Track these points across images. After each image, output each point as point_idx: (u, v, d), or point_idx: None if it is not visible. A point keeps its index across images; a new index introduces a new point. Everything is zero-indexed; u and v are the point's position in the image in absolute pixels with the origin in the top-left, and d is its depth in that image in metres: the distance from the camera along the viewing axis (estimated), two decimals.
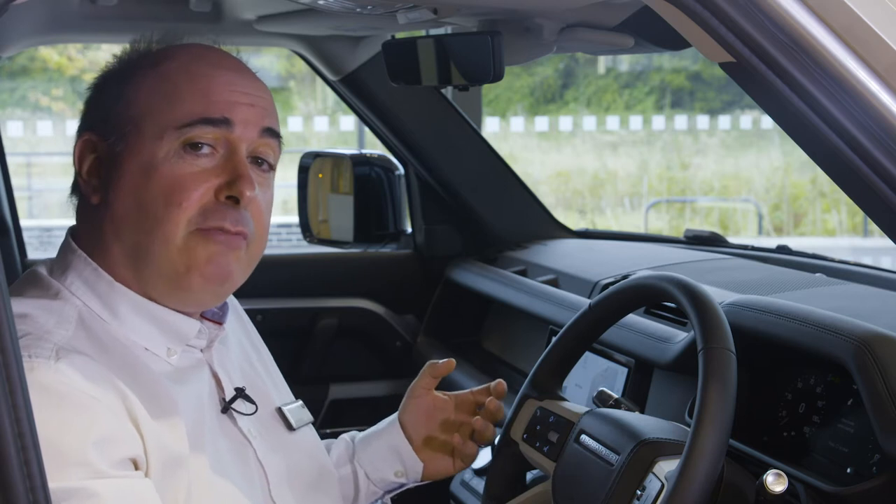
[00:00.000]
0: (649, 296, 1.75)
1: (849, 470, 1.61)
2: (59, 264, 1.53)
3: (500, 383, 1.86)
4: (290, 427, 1.66)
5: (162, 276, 1.49)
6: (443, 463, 1.86)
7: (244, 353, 1.70)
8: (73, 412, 1.34)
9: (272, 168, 1.57)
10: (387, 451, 1.85)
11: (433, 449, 1.85)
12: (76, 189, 1.56)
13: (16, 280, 1.56)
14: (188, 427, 1.46)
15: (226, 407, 1.56)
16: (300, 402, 1.73)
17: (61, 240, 1.58)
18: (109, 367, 1.42)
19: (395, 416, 1.88)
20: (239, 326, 1.73)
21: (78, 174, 1.54)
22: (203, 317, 1.57)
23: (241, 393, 1.58)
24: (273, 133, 1.55)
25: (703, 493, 1.42)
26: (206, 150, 1.49)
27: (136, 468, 1.39)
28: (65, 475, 1.31)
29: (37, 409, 1.30)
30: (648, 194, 18.31)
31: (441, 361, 1.87)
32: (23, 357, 1.33)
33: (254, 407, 1.59)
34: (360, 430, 1.94)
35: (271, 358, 1.79)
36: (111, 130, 1.51)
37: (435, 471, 1.86)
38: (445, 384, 1.93)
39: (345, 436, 1.91)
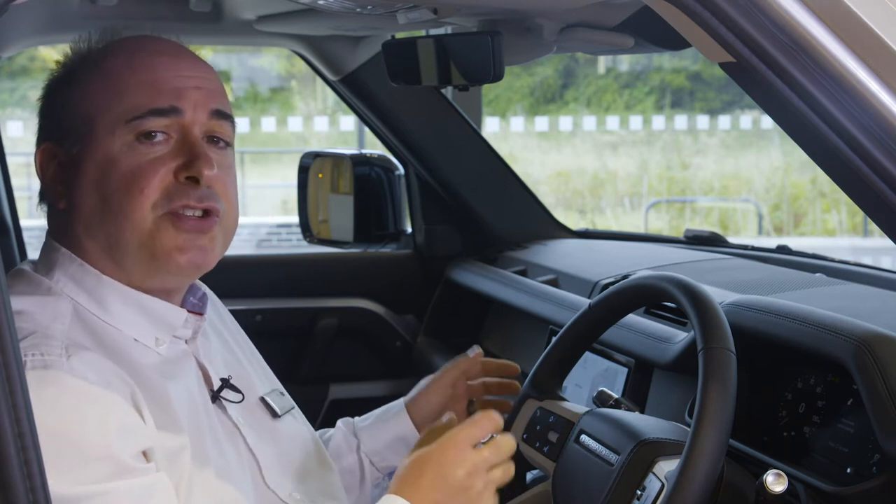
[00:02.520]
0: (649, 296, 1.75)
1: (849, 470, 1.61)
2: (44, 263, 1.54)
3: (485, 360, 1.94)
4: (274, 414, 1.67)
5: (139, 262, 1.50)
6: None
7: (224, 343, 1.71)
8: (93, 406, 1.36)
9: (229, 145, 1.58)
10: (395, 440, 1.87)
11: (438, 430, 1.87)
12: (44, 197, 1.57)
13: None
14: (185, 418, 1.48)
15: (214, 396, 1.58)
16: (281, 389, 1.75)
17: None
18: (110, 360, 1.43)
19: (401, 404, 1.90)
20: (216, 317, 1.74)
21: (42, 182, 1.55)
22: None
23: (227, 382, 1.60)
24: (223, 115, 1.55)
25: (703, 493, 1.42)
26: (159, 137, 1.50)
27: (148, 460, 1.40)
28: (89, 471, 1.32)
29: (55, 409, 1.32)
30: (648, 194, 18.30)
31: (468, 357, 1.90)
32: (35, 356, 1.35)
33: (240, 396, 1.61)
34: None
35: (251, 345, 1.80)
36: (66, 135, 1.52)
37: None
38: None
39: (340, 424, 1.92)
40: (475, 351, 1.93)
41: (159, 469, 1.40)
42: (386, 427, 1.88)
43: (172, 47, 1.57)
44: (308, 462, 1.69)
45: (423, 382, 1.92)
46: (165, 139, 1.50)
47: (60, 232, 1.55)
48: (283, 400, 1.72)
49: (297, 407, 1.76)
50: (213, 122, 1.54)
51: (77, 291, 1.50)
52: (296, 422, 1.73)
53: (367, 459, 1.87)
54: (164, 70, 1.52)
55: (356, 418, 1.93)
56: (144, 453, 1.40)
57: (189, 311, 1.59)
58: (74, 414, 1.34)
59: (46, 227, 1.58)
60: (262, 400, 1.68)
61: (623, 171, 19.15)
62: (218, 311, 1.77)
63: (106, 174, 1.48)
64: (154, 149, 1.49)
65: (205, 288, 1.67)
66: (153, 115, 1.49)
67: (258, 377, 1.72)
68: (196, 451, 1.47)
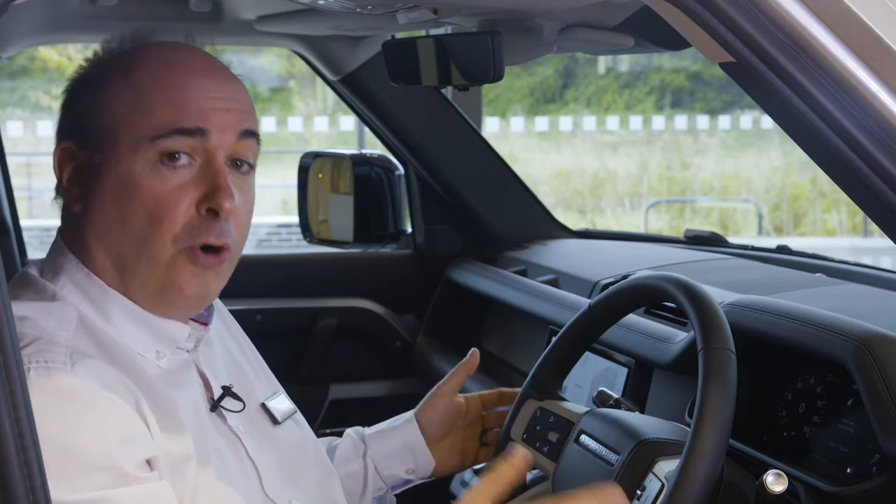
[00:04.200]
0: (649, 296, 1.75)
1: (849, 470, 1.61)
2: (51, 267, 1.52)
3: (503, 391, 1.92)
4: (275, 421, 1.67)
5: (146, 289, 1.49)
6: (453, 461, 1.89)
7: (227, 350, 1.70)
8: (96, 415, 1.35)
9: (252, 168, 1.56)
10: (402, 448, 1.86)
11: (445, 447, 1.88)
12: (59, 193, 1.55)
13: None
14: (189, 428, 1.47)
15: (215, 405, 1.57)
16: (283, 395, 1.74)
17: None
18: (114, 368, 1.42)
19: (411, 414, 1.89)
20: (220, 323, 1.73)
21: (58, 181, 1.53)
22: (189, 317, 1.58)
23: (228, 391, 1.59)
24: (251, 133, 1.53)
25: (703, 493, 1.42)
26: (183, 159, 1.47)
27: (151, 469, 1.40)
28: (90, 479, 1.31)
29: (57, 416, 1.31)
30: (648, 194, 18.32)
31: (466, 358, 1.90)
32: (39, 363, 1.34)
33: (241, 404, 1.60)
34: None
35: (254, 350, 1.79)
36: (88, 140, 1.50)
37: (445, 468, 1.89)
38: None
39: (349, 431, 1.91)
40: (473, 354, 1.92)
41: (163, 478, 1.40)
42: (393, 434, 1.87)
43: (204, 63, 1.53)
44: (308, 469, 1.68)
45: (433, 392, 1.91)
46: (189, 162, 1.47)
47: (71, 234, 1.53)
48: (284, 405, 1.71)
49: (298, 412, 1.75)
50: (239, 143, 1.51)
51: (81, 299, 1.49)
52: (297, 427, 1.72)
53: (373, 465, 1.86)
54: (194, 90, 1.48)
55: (366, 427, 1.93)
56: (148, 462, 1.39)
57: (194, 321, 1.58)
58: (77, 422, 1.33)
59: (59, 224, 1.56)
60: (263, 406, 1.67)
61: (623, 171, 19.16)
62: (222, 317, 1.76)
63: (126, 193, 1.46)
64: (177, 173, 1.46)
65: None
66: (178, 134, 1.46)
67: (260, 383, 1.71)
68: (200, 460, 1.46)
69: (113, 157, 1.47)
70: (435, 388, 1.90)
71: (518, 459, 1.42)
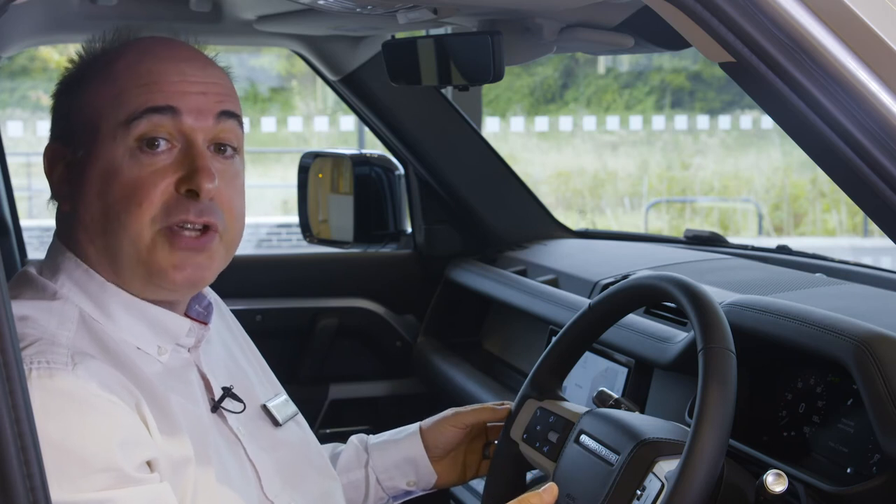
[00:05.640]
0: (649, 296, 1.75)
1: (849, 470, 1.62)
2: (50, 266, 1.53)
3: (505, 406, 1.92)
4: (276, 423, 1.66)
5: (136, 275, 1.49)
6: (454, 474, 1.90)
7: (228, 351, 1.69)
8: (96, 417, 1.35)
9: (237, 151, 1.55)
10: (404, 461, 1.86)
11: (448, 462, 1.89)
12: (52, 194, 1.56)
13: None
14: (190, 430, 1.47)
15: (215, 406, 1.56)
16: (284, 397, 1.73)
17: None
18: (115, 369, 1.42)
19: (416, 427, 1.89)
20: (221, 324, 1.73)
21: (49, 182, 1.54)
22: (188, 316, 1.58)
23: (228, 392, 1.58)
24: (230, 114, 1.52)
25: (703, 493, 1.42)
26: (162, 145, 1.47)
27: (152, 471, 1.39)
28: (91, 481, 1.31)
29: (58, 417, 1.31)
30: (648, 194, 18.32)
31: (498, 408, 1.90)
32: (41, 364, 1.34)
33: (241, 405, 1.60)
34: (364, 432, 1.95)
35: (256, 351, 1.79)
36: (72, 138, 1.51)
37: (446, 481, 1.89)
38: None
39: (353, 439, 1.91)
40: (504, 407, 1.92)
41: (163, 479, 1.40)
42: (397, 446, 1.87)
43: (182, 51, 1.53)
44: (308, 471, 1.68)
45: (447, 412, 1.90)
46: (168, 148, 1.47)
47: (65, 233, 1.53)
48: (285, 407, 1.70)
49: (300, 413, 1.74)
50: (218, 126, 1.50)
51: (81, 297, 1.48)
52: (298, 429, 1.72)
53: (374, 476, 1.86)
54: (168, 74, 1.49)
55: (370, 436, 1.93)
56: (149, 463, 1.39)
57: (193, 320, 1.57)
58: (78, 424, 1.33)
59: (54, 226, 1.57)
60: (264, 408, 1.67)
61: (623, 171, 19.16)
62: (224, 317, 1.75)
63: (108, 183, 1.46)
64: (156, 159, 1.46)
65: (212, 296, 1.65)
66: (150, 113, 1.46)
67: (261, 384, 1.71)
68: (200, 462, 1.46)
69: (95, 151, 1.48)
70: (452, 413, 1.89)
71: (549, 495, 1.49)
